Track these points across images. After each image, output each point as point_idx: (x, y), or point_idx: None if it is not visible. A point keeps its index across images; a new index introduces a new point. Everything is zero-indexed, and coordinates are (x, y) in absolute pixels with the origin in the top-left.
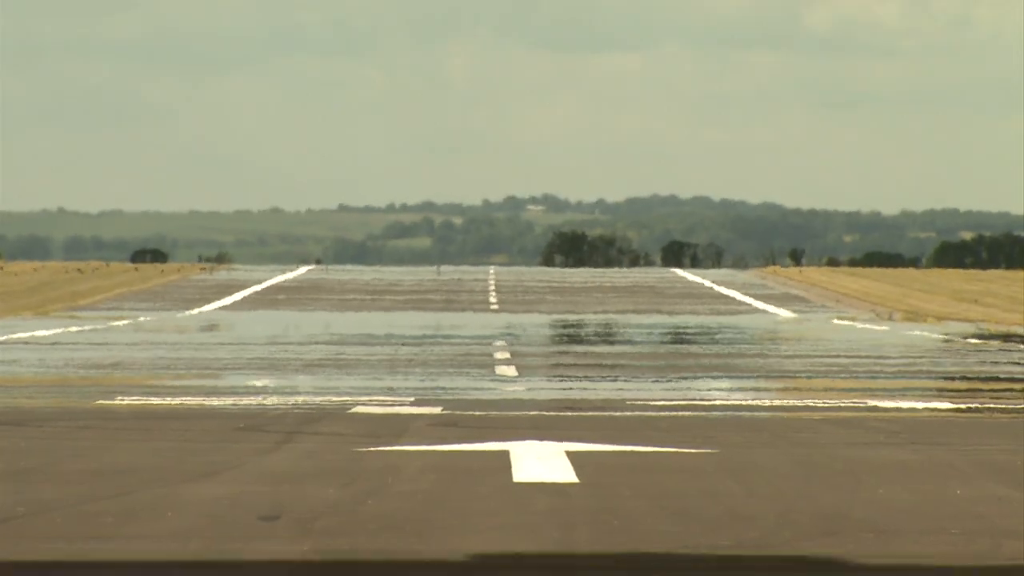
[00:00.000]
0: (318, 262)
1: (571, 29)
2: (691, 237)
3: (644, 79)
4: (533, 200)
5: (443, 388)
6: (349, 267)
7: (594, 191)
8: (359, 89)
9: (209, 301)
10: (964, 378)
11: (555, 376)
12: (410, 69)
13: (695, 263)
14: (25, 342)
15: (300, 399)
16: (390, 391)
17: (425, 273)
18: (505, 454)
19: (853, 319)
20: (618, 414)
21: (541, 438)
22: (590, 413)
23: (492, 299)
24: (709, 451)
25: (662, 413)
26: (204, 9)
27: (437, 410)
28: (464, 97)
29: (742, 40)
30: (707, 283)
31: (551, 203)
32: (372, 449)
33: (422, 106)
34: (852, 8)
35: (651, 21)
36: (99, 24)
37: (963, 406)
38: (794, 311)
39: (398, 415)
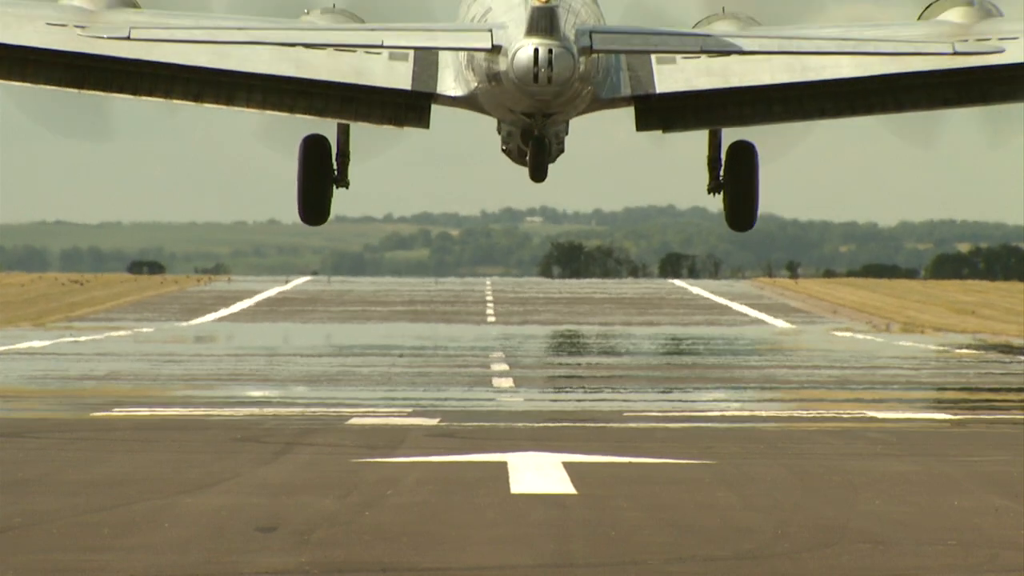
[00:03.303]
0: (315, 273)
1: None
2: (689, 248)
3: None
4: (531, 211)
5: (441, 399)
6: (346, 278)
7: (591, 201)
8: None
9: (207, 312)
10: (961, 389)
11: (552, 387)
12: None
13: (693, 274)
14: (22, 353)
15: (297, 410)
16: (387, 402)
17: (423, 284)
18: (503, 465)
19: (850, 330)
20: (615, 425)
21: (539, 449)
22: (587, 424)
23: (489, 310)
24: (706, 462)
25: (659, 424)
26: (203, 19)
27: (434, 421)
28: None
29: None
30: (705, 294)
31: (548, 214)
32: (369, 460)
33: None
34: (852, 18)
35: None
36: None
37: (960, 417)
38: (791, 322)
39: (395, 426)
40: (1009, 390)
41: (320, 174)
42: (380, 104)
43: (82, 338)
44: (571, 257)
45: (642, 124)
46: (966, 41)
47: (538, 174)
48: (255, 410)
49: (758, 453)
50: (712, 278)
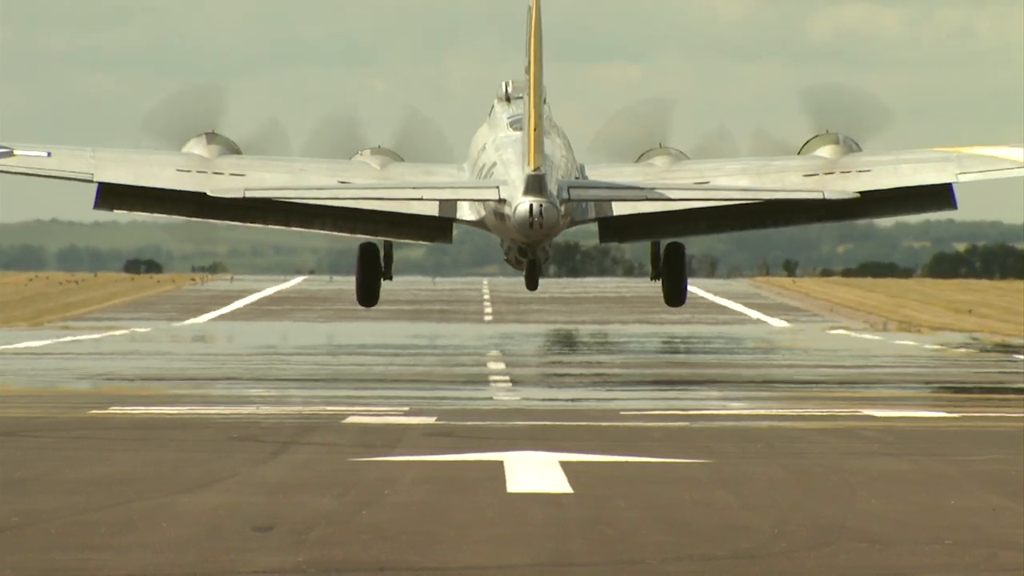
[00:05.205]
0: (312, 273)
1: (570, 39)
2: (686, 247)
3: (643, 89)
4: None
5: (437, 398)
6: (347, 278)
7: None
8: (359, 100)
9: (204, 312)
10: (958, 388)
11: (549, 386)
12: (411, 80)
13: (690, 273)
14: (20, 353)
15: (295, 409)
16: (384, 401)
17: (421, 283)
18: (499, 464)
19: (847, 329)
20: (612, 424)
21: (535, 448)
22: (584, 423)
23: (487, 309)
24: (704, 462)
25: (656, 423)
26: (205, 21)
27: (431, 420)
28: (463, 108)
29: (742, 50)
30: (702, 293)
31: None
32: (366, 459)
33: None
34: (853, 19)
35: (651, 31)
36: (98, 36)
37: (957, 416)
38: (788, 321)
39: (392, 425)
40: (1006, 389)
41: (372, 271)
42: (416, 226)
43: (79, 337)
44: (567, 256)
45: (604, 237)
46: (832, 174)
47: (532, 285)
48: (252, 409)
49: (755, 452)
50: (709, 277)
